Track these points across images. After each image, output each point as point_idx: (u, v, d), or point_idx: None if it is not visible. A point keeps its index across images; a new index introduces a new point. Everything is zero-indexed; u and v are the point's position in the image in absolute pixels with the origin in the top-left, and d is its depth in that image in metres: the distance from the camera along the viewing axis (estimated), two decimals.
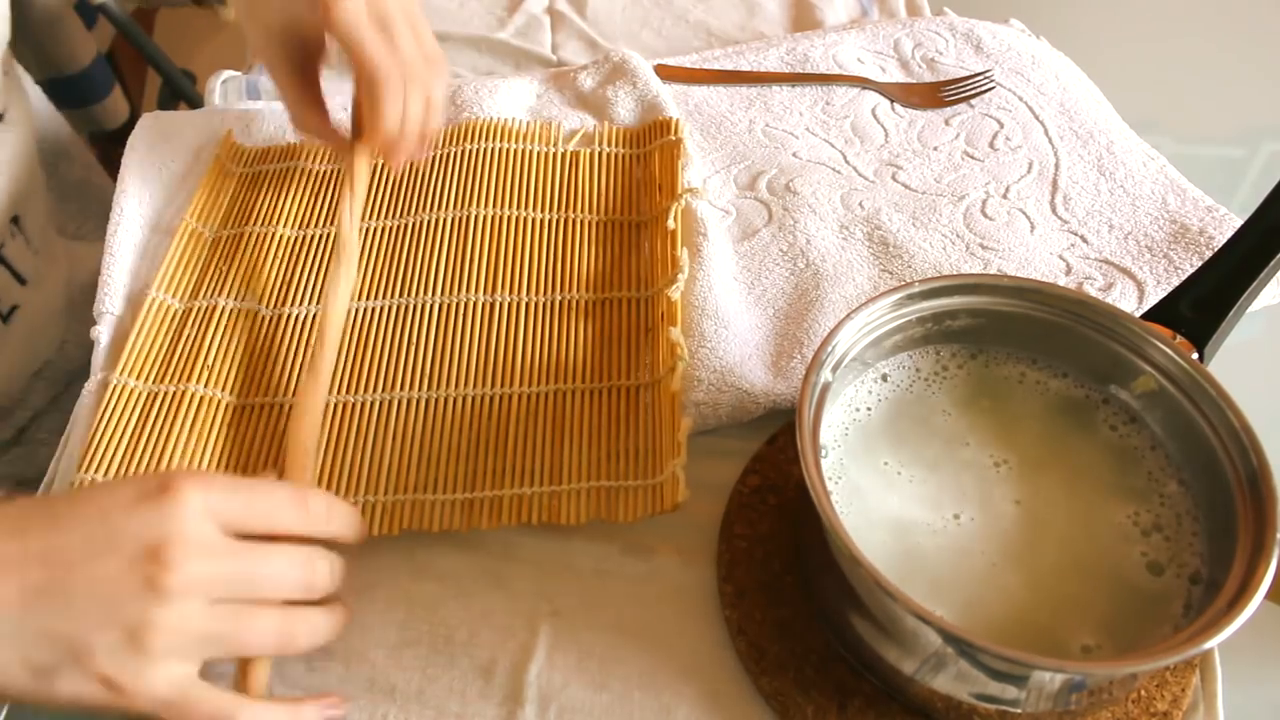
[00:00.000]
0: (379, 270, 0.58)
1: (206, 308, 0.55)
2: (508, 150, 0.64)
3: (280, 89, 0.56)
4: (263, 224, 0.60)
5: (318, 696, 0.39)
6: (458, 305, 0.55)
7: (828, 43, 0.73)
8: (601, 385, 0.51)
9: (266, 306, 0.55)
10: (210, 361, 0.52)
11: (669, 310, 0.53)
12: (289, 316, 0.55)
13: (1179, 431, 0.41)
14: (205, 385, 0.51)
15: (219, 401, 0.51)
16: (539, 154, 0.64)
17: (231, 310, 0.55)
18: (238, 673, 0.39)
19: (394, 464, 0.49)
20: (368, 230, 0.60)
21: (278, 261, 0.58)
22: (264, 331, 0.54)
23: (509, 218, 0.60)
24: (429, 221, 0.60)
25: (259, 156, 0.65)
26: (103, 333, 0.54)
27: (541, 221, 0.60)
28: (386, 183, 0.63)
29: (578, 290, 0.56)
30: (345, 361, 0.53)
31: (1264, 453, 0.37)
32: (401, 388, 0.52)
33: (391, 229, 0.60)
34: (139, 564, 0.34)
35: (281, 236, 0.59)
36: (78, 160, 0.73)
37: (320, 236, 0.59)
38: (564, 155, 0.64)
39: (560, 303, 0.55)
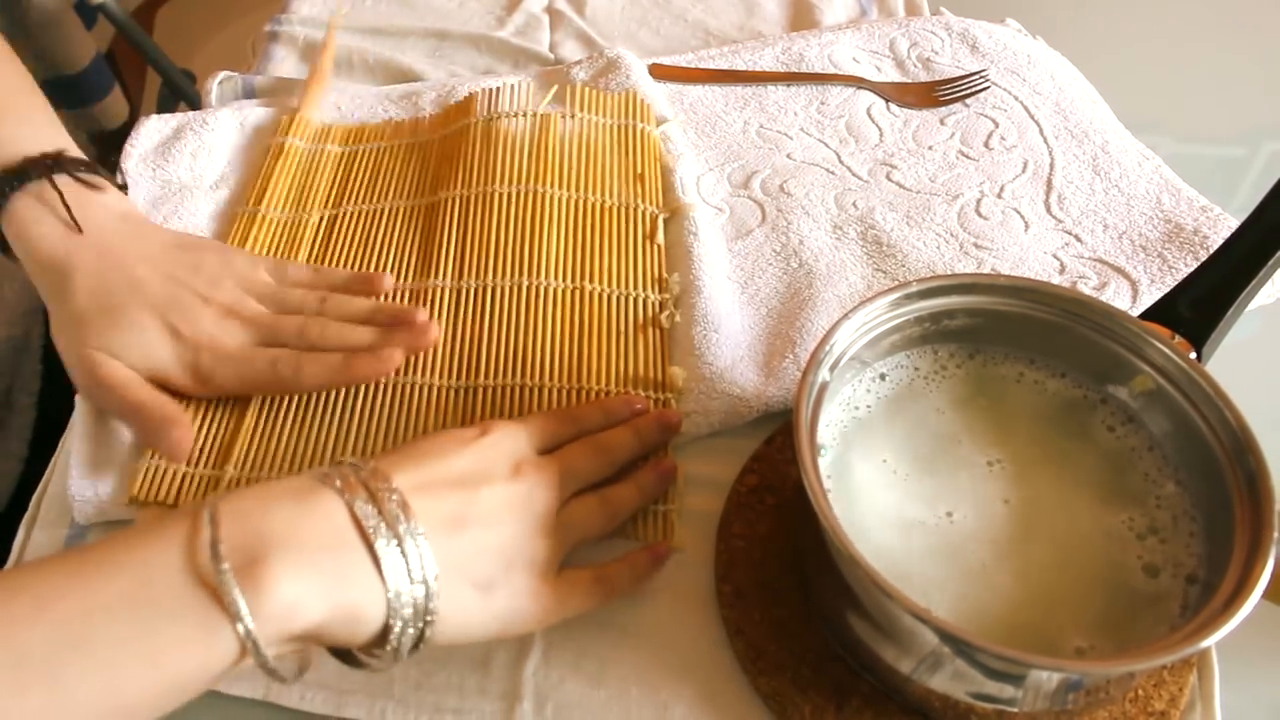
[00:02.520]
0: (355, 255, 0.58)
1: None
2: (473, 125, 0.63)
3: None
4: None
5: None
6: (426, 291, 0.55)
7: (823, 42, 0.73)
8: (572, 386, 0.51)
9: None
10: None
11: (663, 342, 0.53)
12: None
13: (1176, 432, 0.41)
14: None
15: None
16: (506, 124, 0.63)
17: None
18: None
19: (361, 448, 0.49)
20: (336, 217, 0.60)
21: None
22: None
23: (476, 196, 0.59)
24: (395, 209, 0.60)
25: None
26: None
27: (508, 195, 0.59)
28: (359, 171, 0.63)
29: (547, 276, 0.55)
30: None
31: (1261, 452, 0.37)
32: None
33: (361, 214, 0.61)
34: (511, 474, 0.41)
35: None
36: None
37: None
38: (534, 120, 0.63)
39: (529, 288, 0.55)
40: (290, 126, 0.65)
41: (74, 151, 0.53)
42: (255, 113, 0.68)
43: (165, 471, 0.48)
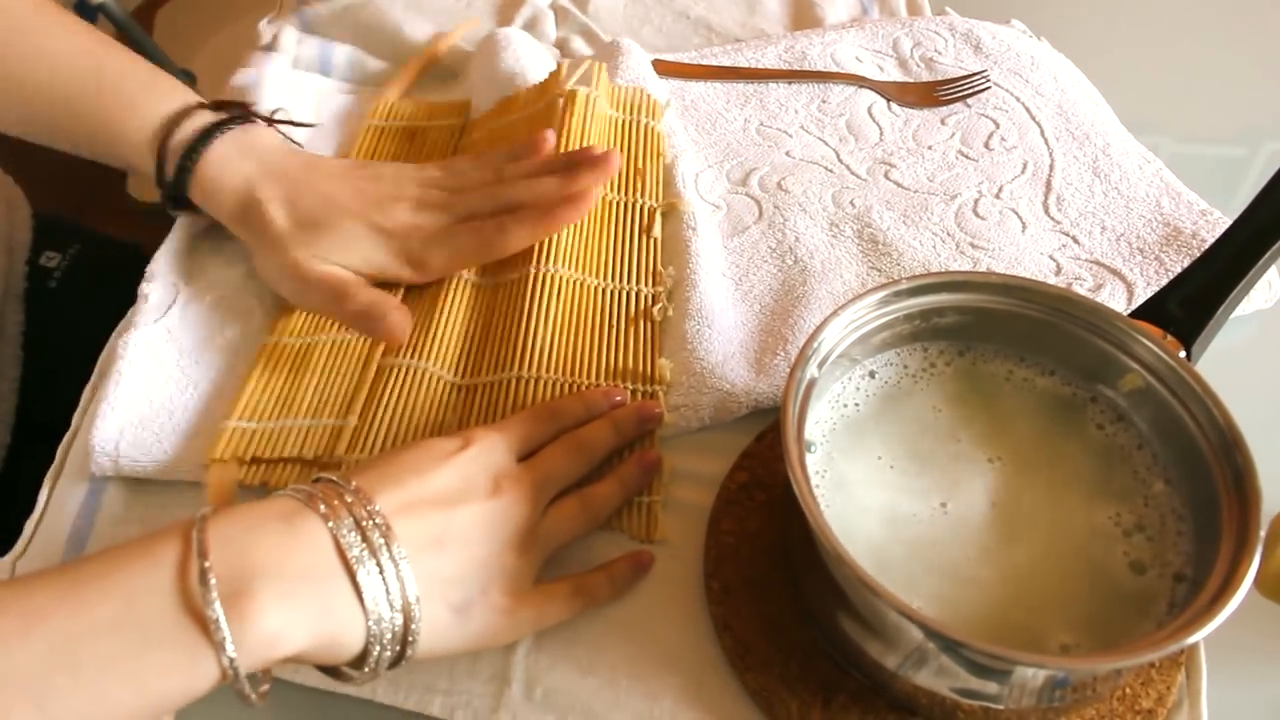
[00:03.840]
0: None
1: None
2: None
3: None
4: None
5: None
6: (428, 286, 0.55)
7: (826, 41, 0.73)
8: (565, 379, 0.51)
9: None
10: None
11: (654, 335, 0.53)
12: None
13: (1166, 430, 0.41)
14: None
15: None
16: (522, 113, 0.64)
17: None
18: None
19: (365, 428, 0.49)
20: None
21: None
22: None
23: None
24: None
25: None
26: (152, 291, 0.55)
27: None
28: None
29: (547, 264, 0.55)
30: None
31: (1249, 450, 0.37)
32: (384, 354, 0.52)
33: None
34: (490, 491, 0.41)
35: None
36: None
37: None
38: (558, 100, 0.63)
39: (527, 280, 0.54)
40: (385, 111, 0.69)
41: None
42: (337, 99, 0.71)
43: (245, 432, 0.49)
